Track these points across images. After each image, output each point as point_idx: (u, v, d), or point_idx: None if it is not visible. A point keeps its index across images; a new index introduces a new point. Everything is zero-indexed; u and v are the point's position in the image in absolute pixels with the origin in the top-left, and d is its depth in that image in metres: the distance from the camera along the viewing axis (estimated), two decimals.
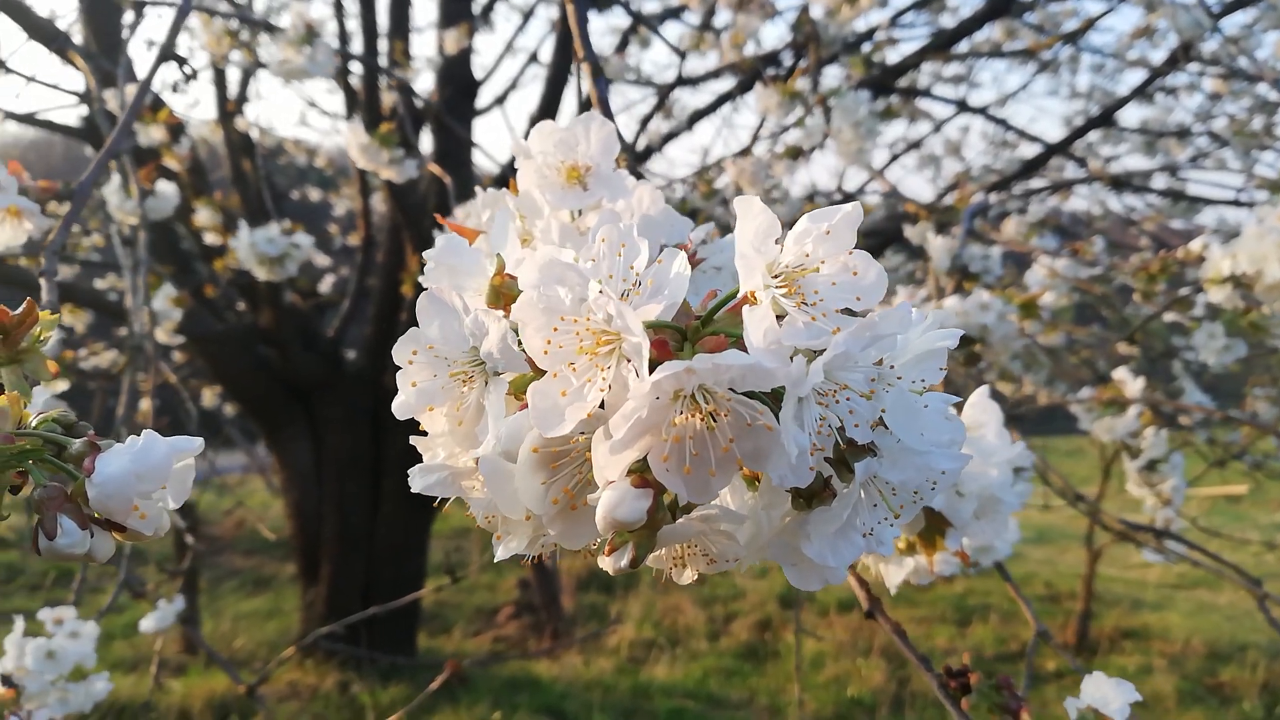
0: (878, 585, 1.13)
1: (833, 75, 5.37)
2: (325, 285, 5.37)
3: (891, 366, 0.48)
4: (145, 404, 5.96)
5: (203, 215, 3.75)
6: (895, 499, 0.51)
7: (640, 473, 0.45)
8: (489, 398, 0.53)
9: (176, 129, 3.69)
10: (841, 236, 0.47)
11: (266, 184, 5.01)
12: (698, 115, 5.25)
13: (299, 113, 18.19)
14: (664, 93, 5.23)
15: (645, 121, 5.38)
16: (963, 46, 5.17)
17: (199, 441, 0.55)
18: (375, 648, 5.48)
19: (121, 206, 2.78)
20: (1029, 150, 5.58)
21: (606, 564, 0.48)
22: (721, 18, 5.21)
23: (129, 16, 4.05)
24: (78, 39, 3.91)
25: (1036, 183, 4.95)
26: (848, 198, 5.10)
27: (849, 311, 0.46)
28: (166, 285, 3.47)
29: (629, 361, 0.43)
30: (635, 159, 5.17)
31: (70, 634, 1.88)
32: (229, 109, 5.33)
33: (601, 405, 0.45)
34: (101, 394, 4.83)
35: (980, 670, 1.06)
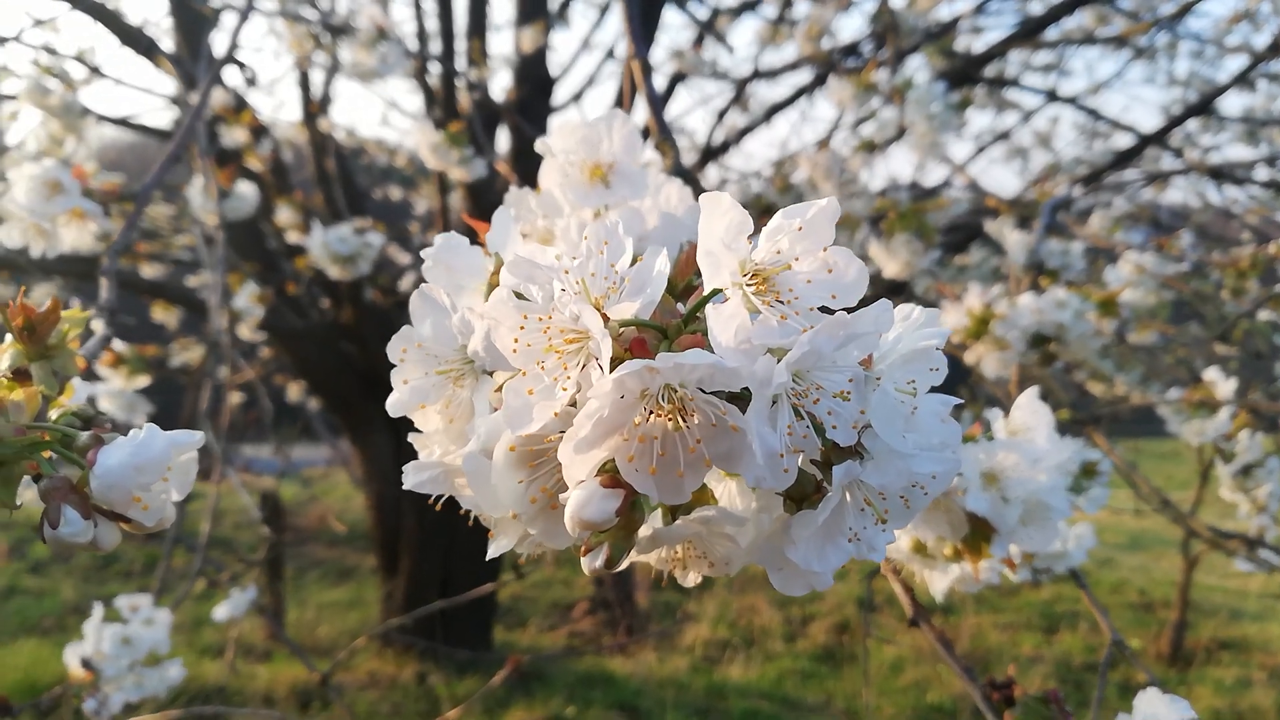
0: (922, 592, 1.10)
1: (914, 66, 5.27)
2: (406, 282, 5.48)
3: (877, 366, 0.46)
4: (233, 398, 6.19)
5: (284, 215, 3.86)
6: (883, 503, 0.49)
7: (611, 473, 0.45)
8: (477, 396, 0.53)
9: (258, 131, 3.80)
10: (817, 232, 0.46)
11: (345, 184, 5.13)
12: (775, 109, 5.20)
13: (381, 113, 18.65)
14: (740, 86, 5.19)
15: (721, 115, 5.34)
16: (1052, 34, 5.00)
17: (199, 436, 0.56)
18: (452, 641, 5.58)
19: (204, 207, 2.88)
20: (1123, 141, 5.37)
21: (584, 564, 0.48)
22: (800, 9, 5.16)
23: (227, 20, 4.20)
24: (168, 45, 4.06)
25: (1130, 175, 4.77)
26: (928, 192, 4.99)
27: (828, 310, 0.45)
28: (249, 283, 3.59)
29: (596, 360, 0.43)
30: (710, 153, 5.16)
31: (145, 621, 1.96)
32: (312, 110, 5.47)
33: (574, 405, 0.45)
34: (194, 388, 5.01)
35: (1069, 681, 1.02)
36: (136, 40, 3.75)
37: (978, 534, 0.98)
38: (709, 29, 5.20)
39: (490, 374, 0.54)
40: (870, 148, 3.40)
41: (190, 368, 4.64)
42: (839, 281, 0.46)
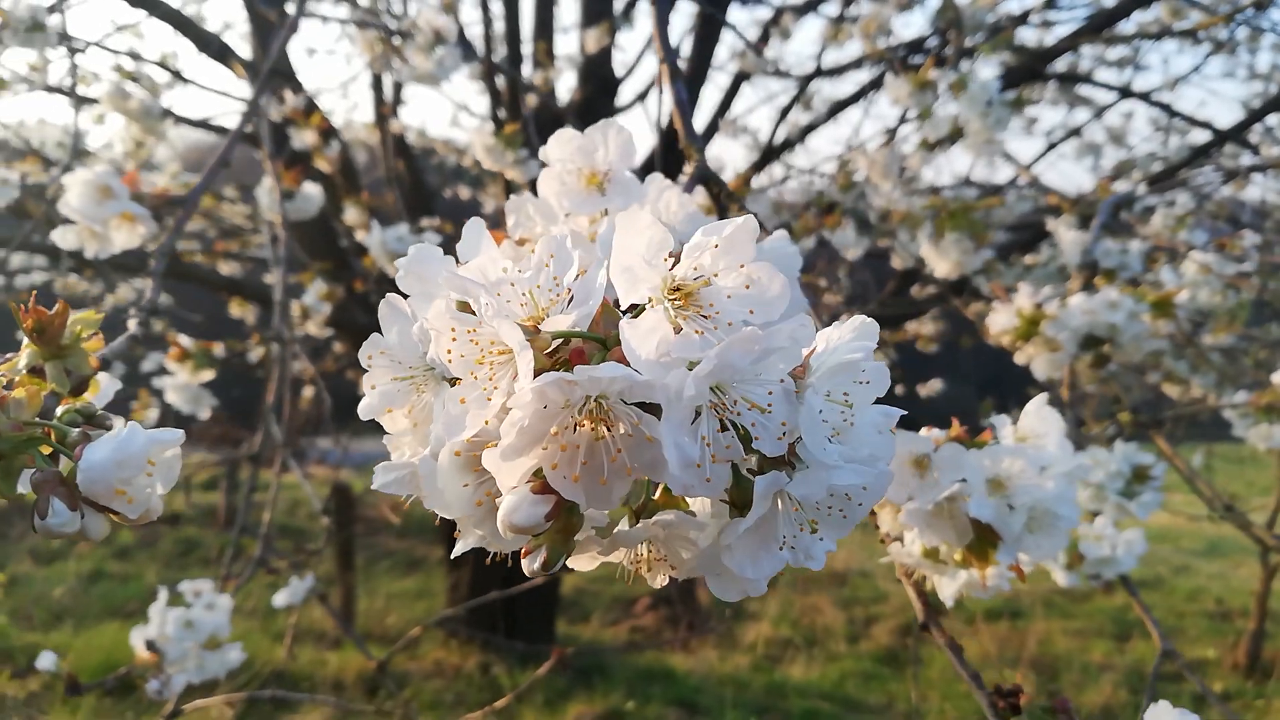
0: (933, 596, 1.09)
1: (980, 62, 5.16)
2: None
3: (809, 379, 0.47)
4: (308, 391, 6.35)
5: (351, 214, 3.97)
6: (817, 513, 0.51)
7: (543, 479, 0.47)
8: (438, 401, 0.56)
9: (327, 133, 3.91)
10: (736, 249, 0.47)
11: (415, 183, 5.24)
12: (839, 106, 5.15)
13: (451, 115, 18.94)
14: (803, 84, 5.15)
15: (784, 113, 5.31)
16: (1127, 28, 4.85)
17: (179, 433, 0.60)
18: (515, 632, 5.67)
19: (271, 207, 2.98)
20: (1200, 137, 5.19)
21: (524, 566, 0.50)
22: (865, 7, 5.09)
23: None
24: (245, 51, 4.20)
25: (1206, 172, 4.60)
26: (995, 190, 4.89)
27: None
28: (318, 281, 3.69)
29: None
30: (772, 152, 5.12)
31: (207, 606, 2.04)
32: (384, 112, 5.60)
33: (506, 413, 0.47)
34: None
35: (1141, 691, 1.02)
36: (210, 45, 3.89)
37: (983, 541, 0.97)
38: (773, 27, 5.18)
39: (451, 381, 0.57)
40: (930, 146, 3.35)
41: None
42: (761, 296, 0.47)
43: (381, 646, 5.98)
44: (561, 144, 0.83)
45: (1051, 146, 5.20)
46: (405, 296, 0.61)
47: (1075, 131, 5.34)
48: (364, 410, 0.59)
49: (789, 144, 5.39)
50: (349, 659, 5.68)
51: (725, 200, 1.29)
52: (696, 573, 0.54)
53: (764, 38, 5.45)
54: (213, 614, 2.03)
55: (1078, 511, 0.97)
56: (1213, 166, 4.21)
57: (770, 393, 0.46)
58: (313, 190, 3.06)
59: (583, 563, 0.62)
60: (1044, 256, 4.41)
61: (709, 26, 5.29)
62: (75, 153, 2.87)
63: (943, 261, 2.45)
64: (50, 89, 3.99)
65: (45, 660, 1.93)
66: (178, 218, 1.28)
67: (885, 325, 5.85)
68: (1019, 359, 2.08)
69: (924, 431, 1.00)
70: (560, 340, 0.49)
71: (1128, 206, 2.79)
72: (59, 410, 0.68)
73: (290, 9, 4.00)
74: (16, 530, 7.67)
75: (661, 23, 1.47)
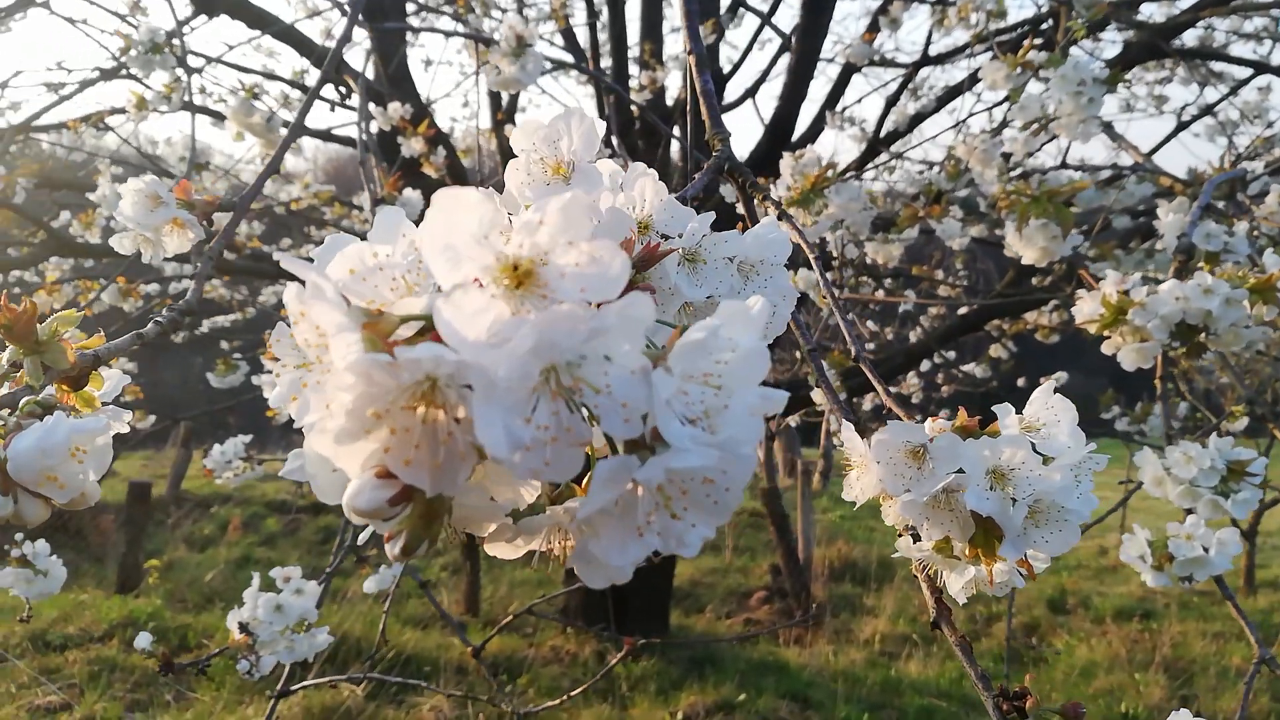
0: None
1: (1108, 40, 4.88)
2: None
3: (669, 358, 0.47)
4: None
5: None
6: (686, 497, 0.50)
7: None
8: None
9: (434, 140, 4.03)
10: (573, 225, 0.47)
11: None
12: (951, 94, 4.97)
13: None
14: (910, 72, 5.00)
15: (891, 103, 5.17)
16: None
17: (102, 422, 0.63)
18: (628, 622, 5.72)
19: (370, 212, 3.09)
20: None
21: (387, 550, 0.51)
22: None
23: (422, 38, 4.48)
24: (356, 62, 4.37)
25: None
26: (1117, 174, 4.62)
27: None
28: None
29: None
30: (880, 141, 4.99)
31: (295, 591, 2.14)
32: (499, 118, 5.73)
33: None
34: None
35: None
36: (322, 59, 4.06)
37: (986, 535, 0.92)
38: (881, 16, 5.04)
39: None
40: (1036, 129, 3.20)
41: None
42: (603, 275, 0.46)
43: (504, 633, 6.15)
44: (527, 134, 0.84)
45: (1182, 126, 4.86)
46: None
47: (1209, 110, 4.98)
48: (274, 400, 0.61)
49: (897, 134, 5.25)
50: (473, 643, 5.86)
51: (750, 191, 1.27)
52: (573, 561, 0.53)
53: (873, 26, 5.33)
54: (301, 599, 2.13)
55: (1089, 505, 0.91)
56: None
57: (606, 373, 0.45)
58: (413, 196, 3.16)
59: (501, 549, 0.63)
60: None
61: (815, 17, 5.20)
62: (193, 165, 3.05)
63: (1029, 249, 2.33)
64: (191, 107, 4.26)
65: (142, 640, 2.07)
66: (227, 224, 1.34)
67: (1003, 315, 5.63)
68: (1106, 349, 1.96)
69: (929, 421, 0.96)
70: (423, 325, 0.49)
71: (1243, 187, 2.59)
72: (21, 402, 0.73)
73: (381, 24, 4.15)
74: (173, 519, 8.23)
75: (690, 15, 1.46)
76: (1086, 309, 2.00)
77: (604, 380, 0.46)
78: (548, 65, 3.10)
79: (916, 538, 1.04)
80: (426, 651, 5.72)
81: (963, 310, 5.50)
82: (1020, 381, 6.97)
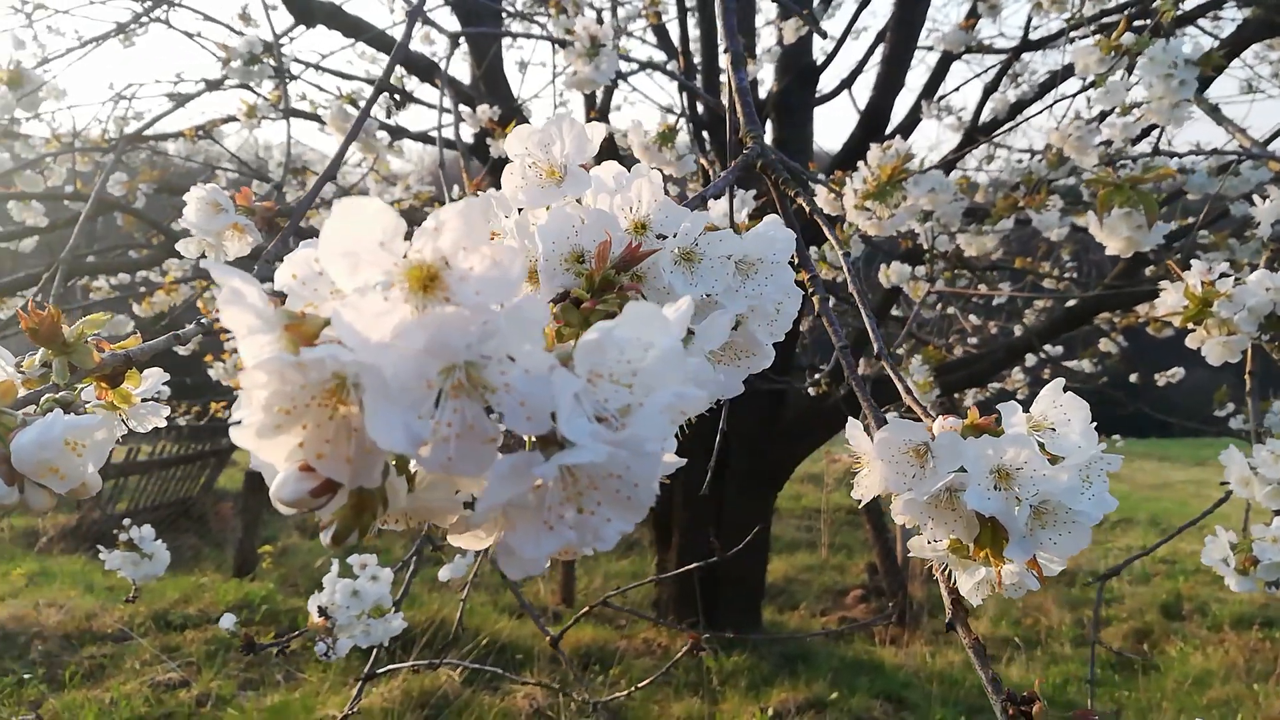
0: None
1: (1230, 17, 4.62)
2: None
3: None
4: None
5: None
6: (598, 493, 0.51)
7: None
8: None
9: None
10: (471, 230, 0.48)
11: None
12: (1053, 80, 4.80)
13: (659, 116, 18.98)
14: (1009, 58, 4.84)
15: (989, 90, 5.02)
16: None
17: (97, 419, 0.69)
18: (719, 617, 5.73)
19: None
20: None
21: (322, 539, 0.54)
22: None
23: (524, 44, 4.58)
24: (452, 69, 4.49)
25: None
26: (1226, 163, 4.36)
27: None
28: None
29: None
30: (978, 131, 4.84)
31: (371, 577, 2.23)
32: (591, 116, 5.80)
33: None
34: None
35: None
36: (416, 64, 4.19)
37: (993, 535, 0.90)
38: (980, 2, 4.90)
39: None
40: (1125, 113, 3.07)
41: None
42: (503, 278, 0.48)
43: (597, 624, 6.24)
44: (521, 139, 0.86)
45: None
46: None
47: None
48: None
49: (997, 122, 5.09)
50: (566, 634, 5.95)
51: (783, 188, 1.27)
52: (496, 553, 0.56)
53: (972, 13, 5.18)
54: (376, 585, 2.22)
55: (1101, 506, 0.88)
56: None
57: (505, 372, 0.48)
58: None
59: (463, 541, 0.65)
60: None
61: (910, 6, 5.09)
62: (288, 170, 3.19)
63: (1112, 239, 2.23)
64: (289, 113, 4.45)
65: (226, 621, 2.19)
66: (285, 229, 1.41)
67: (1113, 308, 5.40)
68: (1191, 343, 1.87)
69: (937, 420, 0.95)
70: None
71: None
72: (42, 400, 0.79)
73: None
74: None
75: (728, 12, 1.46)
76: (1170, 301, 1.92)
77: (503, 379, 0.48)
78: (624, 66, 3.12)
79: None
80: (521, 640, 5.84)
81: (1070, 303, 5.30)
82: (1133, 377, 6.67)
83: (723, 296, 0.89)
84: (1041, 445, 0.92)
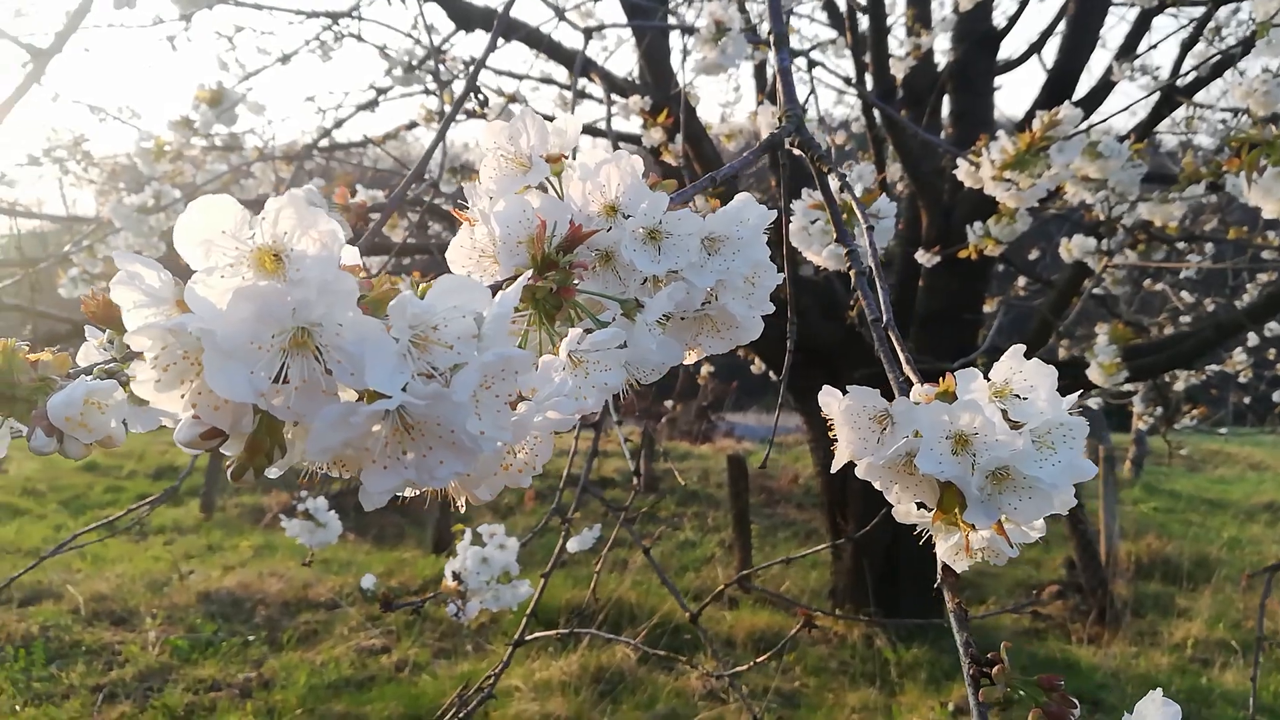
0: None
1: None
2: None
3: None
4: (705, 368, 6.81)
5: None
6: (425, 438, 0.60)
7: None
8: None
9: (672, 129, 4.20)
10: (301, 216, 0.58)
11: (787, 168, 5.38)
12: (1252, 36, 4.37)
13: (836, 94, 18.36)
14: (1208, 10, 4.44)
15: (1187, 46, 4.64)
16: None
17: (111, 384, 0.84)
18: (898, 607, 5.62)
19: None
20: None
21: (228, 474, 0.65)
22: None
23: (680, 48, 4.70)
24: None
25: None
26: None
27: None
28: None
29: None
30: (1176, 91, 4.50)
31: (499, 546, 2.40)
32: (759, 100, 5.82)
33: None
34: None
35: None
36: (568, 60, 4.37)
37: (950, 499, 0.91)
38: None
39: None
40: None
41: None
42: (329, 257, 0.58)
43: (773, 610, 6.26)
44: (493, 133, 0.95)
45: None
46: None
47: None
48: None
49: (1200, 82, 4.69)
50: (741, 618, 6.03)
51: (818, 164, 1.30)
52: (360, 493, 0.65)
53: None
54: (504, 553, 2.39)
55: (1068, 473, 0.87)
56: None
57: (338, 334, 0.57)
58: None
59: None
60: None
61: None
62: (444, 169, 3.44)
63: (1269, 201, 2.06)
64: (455, 114, 4.75)
65: (367, 580, 2.41)
66: (374, 225, 1.57)
67: None
68: None
69: (914, 389, 0.96)
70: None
71: None
72: (95, 369, 0.95)
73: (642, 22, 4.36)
74: None
75: None
76: None
77: (337, 341, 0.57)
78: (750, 50, 3.14)
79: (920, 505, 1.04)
80: (690, 619, 5.93)
81: None
82: None
83: (687, 271, 0.95)
84: (1004, 412, 0.93)
